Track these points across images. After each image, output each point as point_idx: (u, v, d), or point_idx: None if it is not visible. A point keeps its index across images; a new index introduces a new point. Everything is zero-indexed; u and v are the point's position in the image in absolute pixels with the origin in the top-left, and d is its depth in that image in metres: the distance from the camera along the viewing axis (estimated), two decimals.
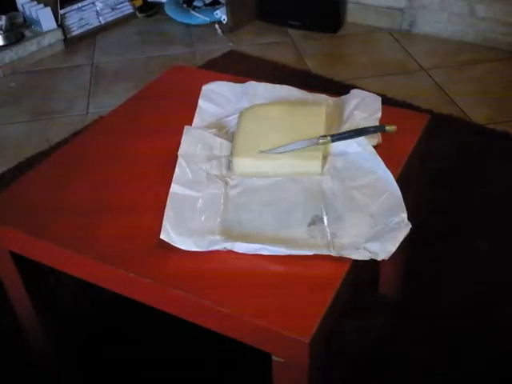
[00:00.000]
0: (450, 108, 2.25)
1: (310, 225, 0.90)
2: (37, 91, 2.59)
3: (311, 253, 0.84)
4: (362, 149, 1.02)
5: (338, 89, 2.37)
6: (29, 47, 2.79)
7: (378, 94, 1.21)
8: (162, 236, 0.89)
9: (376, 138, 1.07)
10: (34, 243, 0.97)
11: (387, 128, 1.03)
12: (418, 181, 1.29)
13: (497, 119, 2.17)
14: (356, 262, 0.86)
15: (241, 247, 0.87)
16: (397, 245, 0.85)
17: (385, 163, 1.02)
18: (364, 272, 1.50)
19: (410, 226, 0.88)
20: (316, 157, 1.00)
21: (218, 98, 1.24)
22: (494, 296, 1.47)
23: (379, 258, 0.84)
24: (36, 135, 2.26)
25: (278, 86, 1.25)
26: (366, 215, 0.91)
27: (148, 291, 0.88)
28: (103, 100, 2.47)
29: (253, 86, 1.26)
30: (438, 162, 1.92)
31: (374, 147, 1.03)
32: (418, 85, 2.44)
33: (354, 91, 1.21)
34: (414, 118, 1.19)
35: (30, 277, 1.10)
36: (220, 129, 1.14)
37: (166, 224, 0.90)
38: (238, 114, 1.16)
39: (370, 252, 0.84)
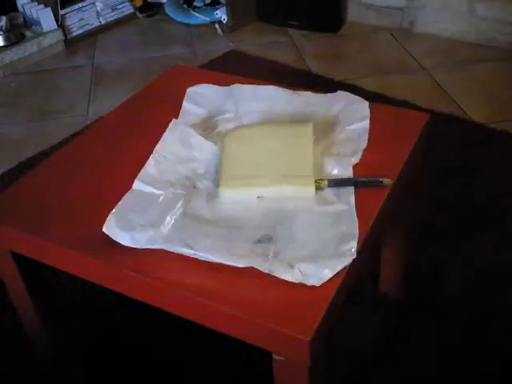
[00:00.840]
0: (450, 107, 2.25)
1: (255, 242, 0.88)
2: (37, 92, 2.59)
3: (241, 265, 0.83)
4: (343, 173, 1.00)
5: (339, 88, 2.36)
6: (29, 48, 2.80)
7: (378, 93, 1.22)
8: (104, 229, 0.89)
9: (355, 158, 1.04)
10: (34, 243, 0.97)
11: (384, 182, 0.98)
12: (419, 180, 1.29)
13: (497, 118, 2.17)
14: (357, 260, 0.86)
15: (176, 250, 0.86)
16: (334, 272, 0.82)
17: (385, 163, 1.02)
18: (365, 270, 1.50)
19: (355, 257, 0.84)
20: (309, 183, 0.96)
21: (203, 100, 1.23)
22: (495, 294, 1.47)
23: (309, 283, 0.81)
24: (36, 135, 2.27)
25: (262, 86, 1.24)
26: (317, 241, 0.87)
27: (149, 290, 0.88)
28: (104, 100, 2.47)
29: (237, 87, 1.25)
30: (439, 161, 1.92)
31: None
32: (418, 84, 2.44)
33: (340, 93, 1.21)
34: (414, 117, 1.19)
35: (31, 276, 1.10)
36: (204, 129, 1.13)
37: (111, 217, 0.90)
38: (222, 116, 1.16)
39: (302, 274, 0.81)
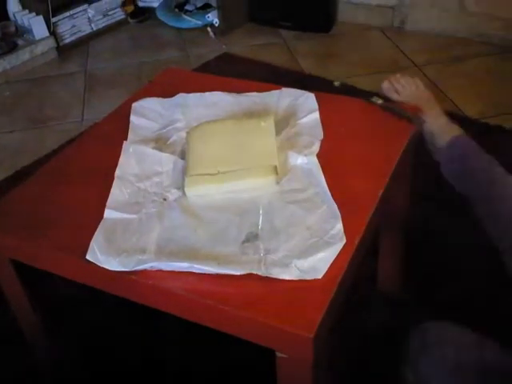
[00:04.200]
0: (443, 103, 2.23)
1: (244, 242, 0.88)
2: (31, 99, 2.59)
3: (238, 273, 0.83)
4: (307, 161, 1.02)
5: (332, 88, 2.38)
6: (22, 56, 2.80)
7: (371, 91, 1.23)
8: (88, 256, 0.88)
9: (315, 148, 1.07)
10: (33, 250, 0.98)
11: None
12: (414, 176, 1.29)
13: (490, 113, 2.18)
14: (356, 256, 0.87)
15: (168, 266, 0.86)
16: (328, 264, 0.83)
17: (380, 159, 1.02)
18: (363, 268, 1.50)
19: (345, 241, 0.86)
20: (270, 172, 0.98)
21: (150, 114, 1.23)
22: (493, 292, 1.47)
23: (310, 278, 0.82)
24: (32, 143, 2.27)
25: (208, 93, 1.26)
26: (302, 228, 0.89)
27: (149, 293, 0.89)
28: (98, 106, 2.47)
29: (183, 97, 1.26)
30: (431, 157, 1.92)
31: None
32: None
33: (284, 90, 1.25)
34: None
35: (30, 283, 1.10)
36: (157, 141, 1.13)
37: (94, 245, 0.89)
38: (173, 126, 1.16)
39: (299, 271, 0.82)
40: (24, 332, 1.21)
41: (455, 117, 2.11)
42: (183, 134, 1.13)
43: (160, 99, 1.27)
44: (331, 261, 0.84)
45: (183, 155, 1.08)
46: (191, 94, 1.26)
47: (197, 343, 1.37)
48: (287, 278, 0.82)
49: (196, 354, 1.37)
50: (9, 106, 2.55)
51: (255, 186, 0.98)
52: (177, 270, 0.85)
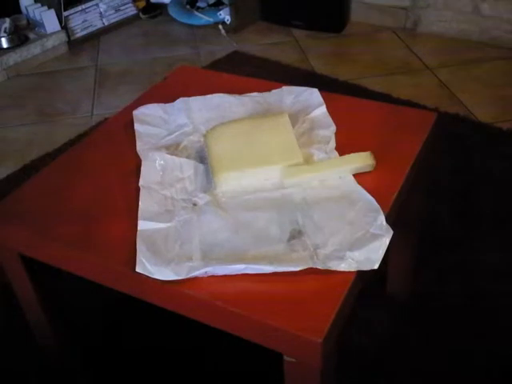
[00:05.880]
0: (455, 107, 2.25)
1: (289, 240, 0.87)
2: (41, 93, 2.59)
3: (297, 269, 0.82)
4: (327, 156, 1.04)
5: (343, 88, 2.37)
6: (33, 49, 2.80)
7: (383, 93, 1.22)
8: (138, 269, 0.86)
9: (332, 143, 1.07)
10: (42, 245, 0.97)
11: None
12: (426, 181, 1.28)
13: (503, 118, 2.16)
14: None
15: (223, 270, 0.84)
16: (382, 253, 0.83)
17: (394, 164, 1.02)
18: (372, 272, 1.49)
19: (392, 232, 0.86)
20: (368, 159, 1.00)
21: (154, 120, 1.21)
22: (502, 299, 1.46)
23: (366, 268, 0.82)
24: (41, 137, 2.27)
25: (209, 95, 1.24)
26: (343, 223, 0.89)
27: (157, 292, 0.88)
28: (108, 101, 2.47)
29: (184, 101, 1.24)
30: (444, 162, 1.92)
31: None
32: (423, 84, 2.44)
33: (285, 88, 1.25)
34: (421, 117, 1.18)
35: (39, 278, 1.10)
36: (168, 148, 1.11)
37: (141, 257, 0.87)
38: (180, 131, 1.15)
39: (356, 262, 0.82)
40: (32, 329, 1.21)
41: (468, 121, 2.13)
42: (194, 138, 1.12)
43: (161, 105, 1.25)
44: (383, 252, 0.84)
45: (201, 159, 1.06)
46: (192, 98, 1.25)
47: (202, 345, 1.36)
48: (346, 269, 0.82)
49: (201, 357, 1.36)
50: (19, 100, 2.55)
51: (354, 172, 0.99)
52: (231, 273, 0.83)
